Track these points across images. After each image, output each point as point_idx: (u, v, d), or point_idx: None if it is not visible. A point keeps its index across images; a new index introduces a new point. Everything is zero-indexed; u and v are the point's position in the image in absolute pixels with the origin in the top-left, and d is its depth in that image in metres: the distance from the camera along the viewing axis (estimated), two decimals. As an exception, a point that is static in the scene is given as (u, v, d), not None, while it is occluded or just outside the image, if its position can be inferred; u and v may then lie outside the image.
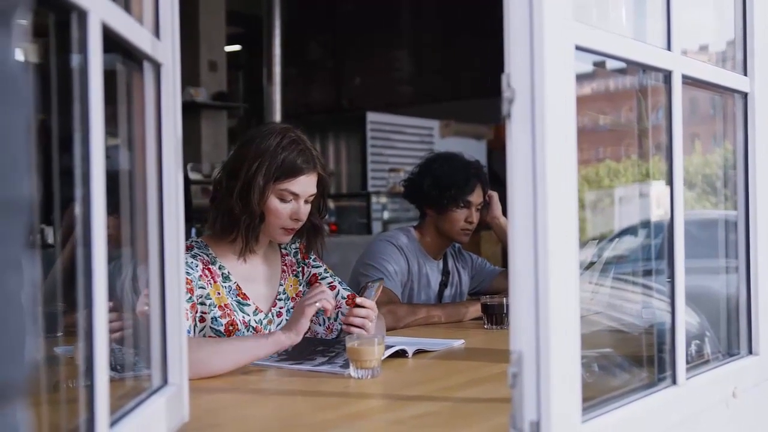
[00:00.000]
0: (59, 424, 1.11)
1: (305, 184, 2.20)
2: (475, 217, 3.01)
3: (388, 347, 2.02)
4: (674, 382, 1.51)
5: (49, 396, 1.13)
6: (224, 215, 2.19)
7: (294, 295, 2.35)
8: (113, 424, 1.08)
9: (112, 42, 1.10)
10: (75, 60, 1.00)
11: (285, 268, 2.37)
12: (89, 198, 0.99)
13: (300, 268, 2.40)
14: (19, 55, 0.60)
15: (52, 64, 1.02)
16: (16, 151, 0.55)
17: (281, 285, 2.34)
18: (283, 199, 2.18)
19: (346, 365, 1.91)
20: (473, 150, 5.86)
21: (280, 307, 2.32)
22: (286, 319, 2.28)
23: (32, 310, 0.59)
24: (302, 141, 2.21)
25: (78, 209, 1.00)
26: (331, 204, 7.72)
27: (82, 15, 0.99)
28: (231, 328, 2.16)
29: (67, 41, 1.00)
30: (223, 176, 2.22)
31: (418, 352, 2.18)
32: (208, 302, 2.14)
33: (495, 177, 4.72)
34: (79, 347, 1.06)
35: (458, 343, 2.35)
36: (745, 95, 1.80)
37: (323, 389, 1.78)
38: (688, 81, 1.57)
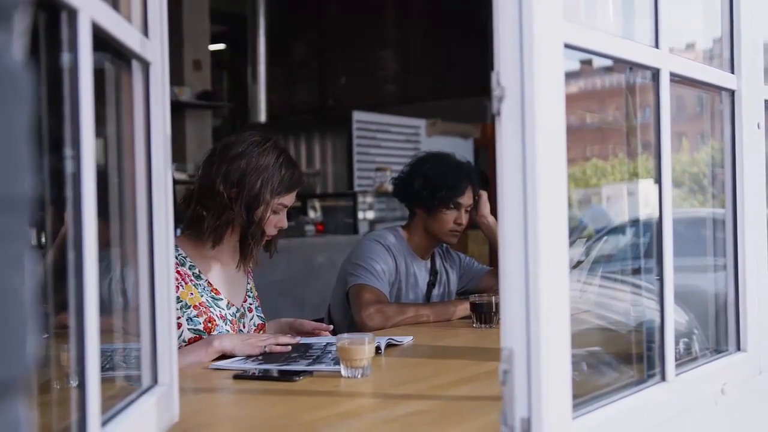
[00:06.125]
0: (49, 424, 1.10)
1: (294, 197, 2.33)
2: (464, 218, 3.00)
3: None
4: (663, 378, 1.51)
5: (39, 396, 1.12)
6: (224, 225, 2.25)
7: (255, 296, 2.46)
8: (104, 423, 1.08)
9: (101, 40, 1.09)
10: (65, 58, 1.00)
11: (249, 269, 2.46)
12: (80, 199, 0.99)
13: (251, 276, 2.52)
14: (19, 54, 0.60)
15: (41, 62, 1.02)
16: (18, 148, 0.55)
17: (248, 283, 2.44)
18: (276, 212, 2.28)
19: (337, 362, 1.90)
20: (460, 149, 5.85)
21: (250, 303, 2.41)
22: (258, 315, 2.42)
23: (34, 308, 0.59)
24: (291, 156, 2.34)
25: (68, 210, 0.99)
26: (317, 204, 7.70)
27: (72, 13, 0.98)
28: (210, 324, 2.22)
29: (56, 39, 0.99)
30: (217, 185, 2.23)
31: (389, 346, 2.23)
32: (179, 305, 2.15)
33: (481, 176, 4.73)
34: (66, 348, 1.06)
35: (407, 340, 2.36)
36: (732, 92, 1.81)
37: (313, 388, 1.78)
38: (676, 79, 1.58)
